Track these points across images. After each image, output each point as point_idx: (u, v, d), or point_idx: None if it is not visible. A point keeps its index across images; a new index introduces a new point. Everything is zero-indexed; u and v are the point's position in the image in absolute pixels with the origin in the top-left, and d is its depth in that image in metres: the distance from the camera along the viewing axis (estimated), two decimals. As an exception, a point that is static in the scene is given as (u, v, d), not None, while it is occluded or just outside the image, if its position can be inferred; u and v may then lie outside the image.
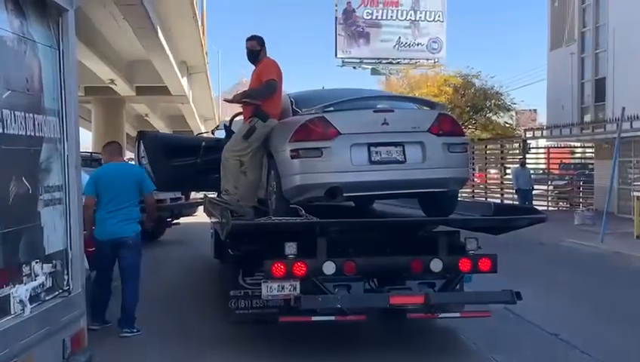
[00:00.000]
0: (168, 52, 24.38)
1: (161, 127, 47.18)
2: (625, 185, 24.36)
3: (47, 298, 4.53)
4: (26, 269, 4.30)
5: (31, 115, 4.44)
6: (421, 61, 45.06)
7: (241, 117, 12.05)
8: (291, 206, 7.12)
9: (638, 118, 20.06)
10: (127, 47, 26.88)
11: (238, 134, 7.87)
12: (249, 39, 8.17)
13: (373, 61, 49.10)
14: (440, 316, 6.92)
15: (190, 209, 18.45)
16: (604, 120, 24.70)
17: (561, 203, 31.18)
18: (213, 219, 9.55)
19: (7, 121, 4.11)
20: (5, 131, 4.08)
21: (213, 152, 9.31)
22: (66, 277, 4.85)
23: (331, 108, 7.23)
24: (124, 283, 8.16)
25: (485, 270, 6.97)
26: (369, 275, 6.96)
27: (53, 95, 4.82)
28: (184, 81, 31.43)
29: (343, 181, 6.93)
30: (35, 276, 4.38)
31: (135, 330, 8.05)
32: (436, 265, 6.87)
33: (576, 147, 34.51)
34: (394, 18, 48.35)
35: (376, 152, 7.01)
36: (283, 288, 6.79)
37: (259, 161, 7.91)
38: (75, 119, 5.02)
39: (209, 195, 12.62)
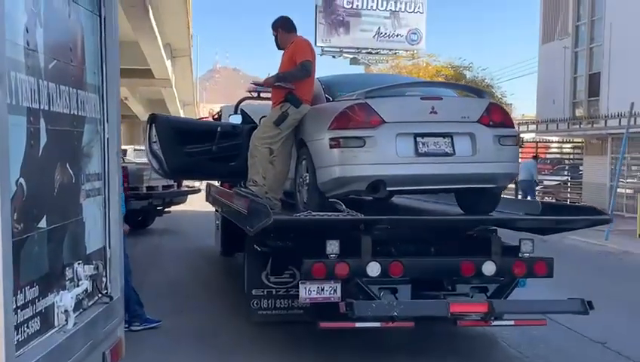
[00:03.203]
0: (157, 34, 23.53)
1: (139, 111, 46.07)
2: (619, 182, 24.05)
3: (89, 305, 3.88)
4: (68, 272, 3.65)
5: (74, 90, 3.79)
6: (400, 52, 44.81)
7: (247, 102, 11.53)
8: (330, 200, 6.53)
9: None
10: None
11: (269, 120, 7.22)
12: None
13: (353, 50, 48.67)
14: (493, 324, 6.35)
15: (182, 197, 17.80)
16: (598, 115, 24.41)
17: (547, 198, 30.90)
18: (229, 210, 8.87)
19: (52, 96, 3.45)
20: (51, 108, 3.42)
21: (229, 139, 8.69)
22: (104, 280, 4.21)
23: (374, 95, 6.61)
24: None
25: (541, 274, 6.45)
26: (416, 278, 6.37)
27: (94, 68, 4.16)
28: (168, 64, 30.55)
29: (388, 174, 6.35)
30: (78, 280, 3.73)
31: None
32: (489, 268, 6.32)
33: (553, 142, 34.22)
34: (374, 8, 48.00)
35: (423, 143, 6.42)
36: (323, 290, 6.21)
37: (288, 150, 7.30)
38: (117, 97, 4.38)
39: (213, 184, 11.99)
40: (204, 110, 68.39)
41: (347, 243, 6.21)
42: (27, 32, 3.15)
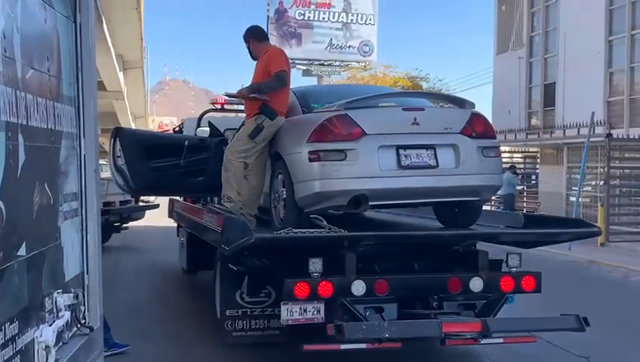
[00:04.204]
0: (110, 45, 22.95)
1: (90, 124, 45.17)
2: (574, 191, 24.26)
3: (69, 338, 3.54)
4: (48, 303, 3.31)
5: (51, 102, 3.46)
6: (352, 63, 45.00)
7: (210, 114, 11.20)
8: (311, 216, 6.26)
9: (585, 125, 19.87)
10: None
11: (243, 133, 6.92)
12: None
13: (306, 62, 48.64)
14: (481, 342, 6.13)
15: (140, 212, 17.29)
16: (554, 125, 24.64)
17: (501, 207, 31.03)
18: (199, 227, 8.51)
19: (30, 109, 3.12)
20: (29, 123, 3.09)
21: (196, 152, 8.35)
22: (82, 309, 3.86)
23: (354, 106, 6.36)
24: None
25: (529, 289, 6.28)
26: (402, 296, 6.13)
27: (69, 79, 3.84)
28: (121, 76, 29.87)
29: (370, 188, 6.10)
30: (58, 311, 3.39)
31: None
32: (476, 283, 6.12)
33: (504, 152, 34.49)
34: (326, 20, 48.04)
35: (406, 156, 6.19)
36: (305, 311, 5.92)
37: (263, 163, 7.01)
38: (93, 110, 4.05)
39: (176, 199, 11.58)
40: (154, 123, 67.46)
41: (329, 261, 5.95)
42: (4, 37, 2.83)
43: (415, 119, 6.28)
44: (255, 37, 7.31)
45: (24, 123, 3.00)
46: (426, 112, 6.49)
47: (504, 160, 35.26)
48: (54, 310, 3.35)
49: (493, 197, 22.49)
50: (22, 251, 2.93)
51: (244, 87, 7.02)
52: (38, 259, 3.15)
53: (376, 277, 5.95)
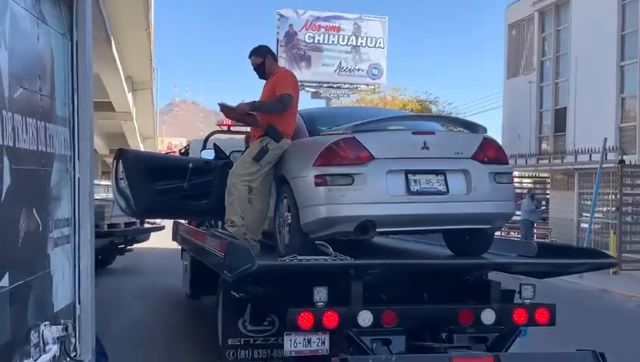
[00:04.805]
0: (119, 66, 22.89)
1: (99, 144, 45.21)
2: (585, 217, 23.97)
3: (56, 373, 3.33)
4: (34, 336, 3.11)
5: (43, 123, 3.28)
6: (361, 86, 45.07)
7: (216, 136, 11.05)
8: (316, 242, 6.05)
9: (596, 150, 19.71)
10: (71, 59, 25.10)
11: (247, 156, 6.74)
12: (250, 56, 7.18)
13: (315, 85, 48.72)
14: (493, 375, 5.88)
15: (145, 234, 17.09)
16: (565, 150, 24.41)
17: (512, 233, 30.74)
18: (202, 252, 8.32)
19: (18, 130, 2.94)
20: (16, 145, 2.90)
21: (201, 175, 8.16)
22: (73, 341, 3.66)
23: (362, 129, 6.17)
24: None
25: (542, 322, 6.03)
26: (411, 327, 5.90)
27: (64, 99, 3.66)
28: (130, 96, 29.83)
29: (378, 214, 5.88)
30: (45, 345, 3.19)
31: None
32: (488, 315, 5.88)
33: (515, 177, 34.20)
34: (335, 43, 48.19)
35: (415, 181, 5.98)
36: (310, 342, 5.69)
37: (268, 187, 6.83)
38: (89, 132, 3.86)
39: (180, 222, 11.39)
40: (164, 144, 67.62)
41: (335, 290, 5.74)
42: (-11, 54, 2.66)
43: (425, 143, 6.08)
44: (271, 54, 7.20)
45: (10, 144, 2.82)
46: (436, 136, 6.29)
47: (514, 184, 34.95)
48: (41, 343, 3.16)
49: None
50: (4, 282, 2.74)
51: (243, 101, 6.85)
52: (24, 289, 2.96)
53: (383, 308, 5.73)
